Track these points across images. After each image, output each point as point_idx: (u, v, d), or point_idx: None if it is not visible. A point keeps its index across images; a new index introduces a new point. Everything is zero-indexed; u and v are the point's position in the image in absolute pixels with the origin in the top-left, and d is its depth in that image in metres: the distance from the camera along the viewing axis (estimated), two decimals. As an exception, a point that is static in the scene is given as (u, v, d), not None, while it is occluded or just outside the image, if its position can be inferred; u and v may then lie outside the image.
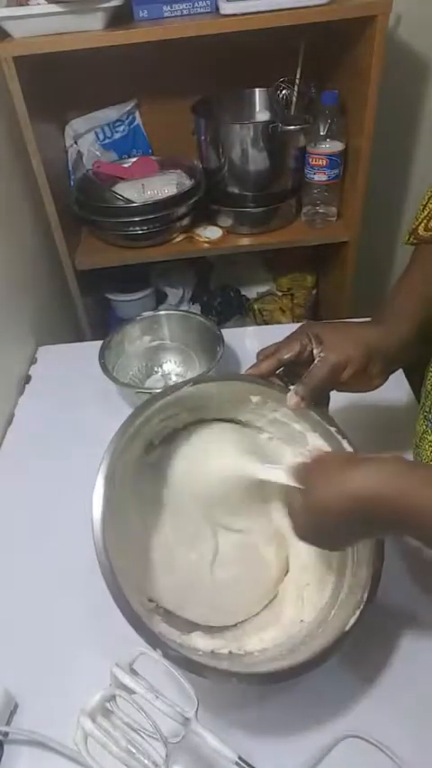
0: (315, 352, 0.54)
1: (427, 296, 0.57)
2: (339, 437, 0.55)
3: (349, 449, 0.54)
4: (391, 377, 0.58)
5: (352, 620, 0.47)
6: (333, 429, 0.55)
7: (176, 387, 0.56)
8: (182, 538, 0.58)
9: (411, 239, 0.62)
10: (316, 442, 0.57)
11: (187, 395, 0.56)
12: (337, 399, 0.59)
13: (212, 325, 0.85)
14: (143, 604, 0.50)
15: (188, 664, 0.44)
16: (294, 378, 0.55)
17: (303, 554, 0.59)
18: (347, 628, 0.47)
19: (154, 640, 0.44)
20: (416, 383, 0.73)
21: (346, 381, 0.54)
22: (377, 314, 0.58)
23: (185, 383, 0.56)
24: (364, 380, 0.55)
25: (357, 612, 0.47)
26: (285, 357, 0.55)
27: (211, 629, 0.54)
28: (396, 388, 0.79)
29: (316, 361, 0.53)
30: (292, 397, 0.54)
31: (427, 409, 0.62)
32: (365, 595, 0.48)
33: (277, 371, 0.56)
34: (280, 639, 0.53)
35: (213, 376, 0.73)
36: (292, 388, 0.55)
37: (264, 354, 0.57)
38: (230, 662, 0.50)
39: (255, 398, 0.58)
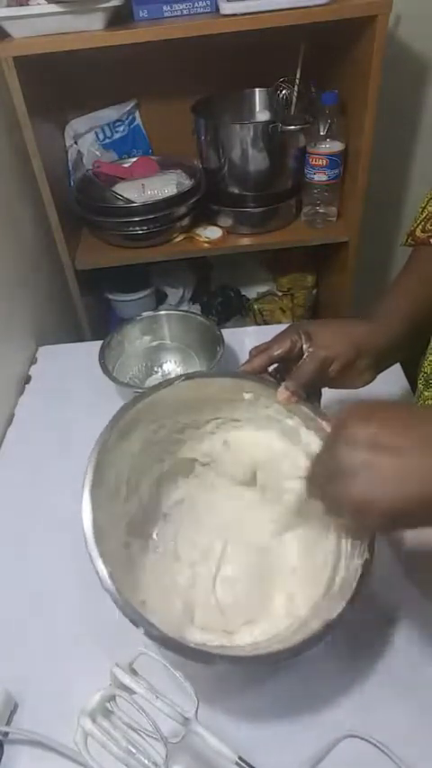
0: (304, 347, 0.55)
1: (422, 296, 0.58)
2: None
3: None
4: (388, 372, 0.59)
5: (338, 609, 0.47)
6: (325, 423, 0.55)
7: (167, 383, 0.56)
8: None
9: (409, 241, 0.62)
10: (309, 438, 0.58)
11: (179, 392, 0.57)
12: (333, 394, 0.59)
13: (212, 325, 0.85)
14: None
15: (169, 643, 0.44)
16: (286, 374, 0.56)
17: (293, 552, 0.59)
18: (335, 615, 0.46)
19: (137, 618, 0.44)
20: (413, 378, 0.73)
21: (335, 377, 0.55)
22: (370, 311, 0.59)
23: (176, 378, 0.57)
24: (353, 376, 0.56)
25: (344, 602, 0.47)
26: (276, 353, 0.56)
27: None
28: (393, 384, 0.79)
29: (305, 356, 0.54)
30: (282, 392, 0.55)
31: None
32: (354, 588, 0.48)
33: (270, 368, 0.57)
34: (271, 634, 0.53)
35: (205, 372, 0.73)
36: (282, 383, 0.55)
37: (256, 351, 0.58)
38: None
39: (247, 395, 0.59)
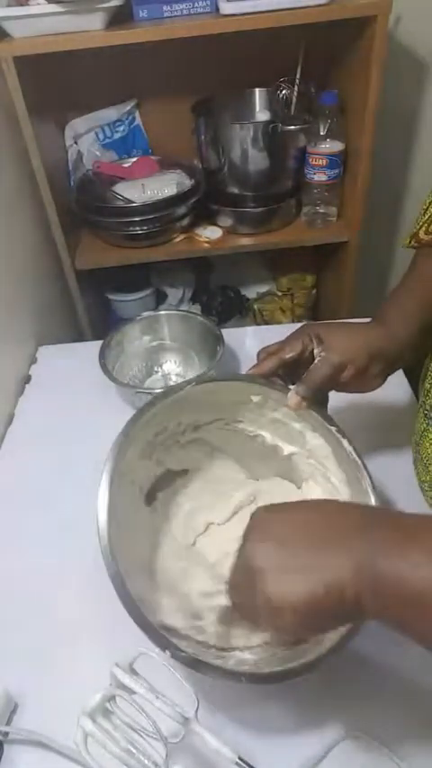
0: (316, 351, 0.54)
1: (428, 299, 0.57)
2: (339, 436, 0.55)
3: (350, 449, 0.54)
4: (391, 375, 0.58)
5: None
6: (333, 428, 0.55)
7: (179, 387, 0.56)
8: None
9: (412, 243, 0.62)
10: (315, 442, 0.58)
11: (188, 396, 0.56)
12: (337, 398, 0.59)
13: (212, 325, 0.85)
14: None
15: (196, 664, 0.44)
16: (294, 378, 0.55)
17: None
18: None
19: (160, 640, 0.44)
20: (415, 381, 0.73)
21: (347, 382, 0.54)
22: (378, 315, 0.58)
23: (187, 383, 0.56)
24: (364, 381, 0.56)
25: None
26: (287, 356, 0.55)
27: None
28: (395, 387, 0.79)
29: (316, 361, 0.54)
30: (292, 397, 0.54)
31: (428, 407, 0.62)
32: None
33: (278, 371, 0.56)
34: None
35: (215, 376, 0.73)
36: (292, 387, 0.55)
37: (265, 353, 0.57)
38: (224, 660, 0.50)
39: (255, 398, 0.58)
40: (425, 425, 0.63)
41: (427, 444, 0.62)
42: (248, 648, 0.51)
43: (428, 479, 0.63)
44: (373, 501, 0.52)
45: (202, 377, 0.61)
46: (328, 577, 0.36)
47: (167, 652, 0.43)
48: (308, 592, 0.36)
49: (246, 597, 0.41)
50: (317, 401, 0.55)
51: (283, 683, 0.45)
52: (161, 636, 0.44)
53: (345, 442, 0.55)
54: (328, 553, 0.37)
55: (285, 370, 0.57)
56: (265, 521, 0.42)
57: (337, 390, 0.57)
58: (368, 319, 0.59)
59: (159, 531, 0.60)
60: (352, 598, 0.35)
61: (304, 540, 0.39)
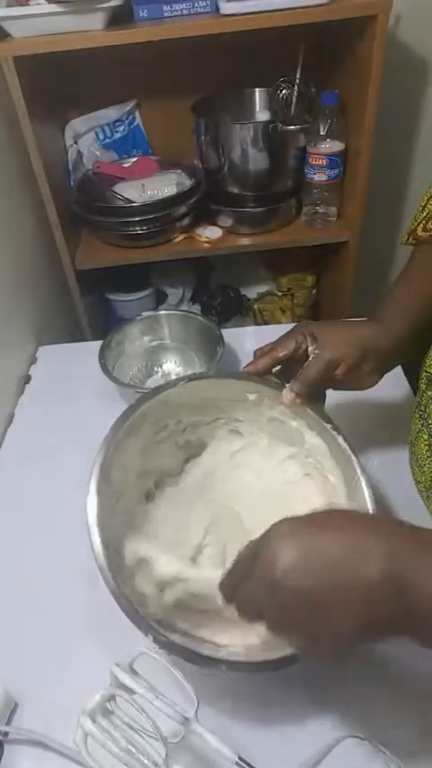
0: (310, 349, 0.54)
1: (425, 295, 0.58)
2: (335, 433, 0.55)
3: (345, 446, 0.54)
4: (389, 374, 0.58)
5: None
6: (329, 426, 0.55)
7: (172, 383, 0.56)
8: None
9: (410, 240, 0.62)
10: (312, 440, 0.58)
11: (184, 393, 0.57)
12: (335, 396, 0.59)
13: (212, 325, 0.85)
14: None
15: (177, 650, 0.44)
16: (290, 376, 0.56)
17: None
18: None
19: (144, 626, 0.44)
20: (414, 380, 0.73)
21: (341, 379, 0.55)
22: (375, 312, 0.58)
23: (180, 380, 0.57)
24: (359, 378, 0.56)
25: None
26: (281, 355, 0.55)
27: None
28: (394, 385, 0.79)
29: (310, 358, 0.54)
30: (287, 394, 0.55)
31: (423, 408, 0.62)
32: None
33: (273, 370, 0.57)
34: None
35: (209, 374, 0.73)
36: (287, 385, 0.55)
37: (260, 352, 0.57)
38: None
39: (251, 396, 0.59)
40: (420, 426, 0.63)
41: (422, 445, 0.62)
42: (243, 646, 0.51)
43: (423, 480, 0.63)
44: (367, 498, 0.52)
45: (195, 374, 0.62)
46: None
47: (150, 636, 0.43)
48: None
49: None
50: (312, 398, 0.56)
51: (275, 678, 0.45)
52: (145, 622, 0.44)
53: (340, 439, 0.55)
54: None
55: (281, 369, 0.57)
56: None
57: (333, 388, 0.57)
58: (365, 319, 0.59)
59: (156, 525, 0.60)
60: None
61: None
